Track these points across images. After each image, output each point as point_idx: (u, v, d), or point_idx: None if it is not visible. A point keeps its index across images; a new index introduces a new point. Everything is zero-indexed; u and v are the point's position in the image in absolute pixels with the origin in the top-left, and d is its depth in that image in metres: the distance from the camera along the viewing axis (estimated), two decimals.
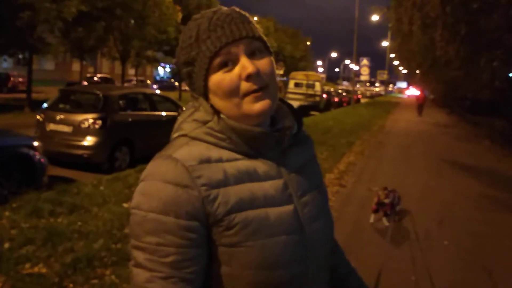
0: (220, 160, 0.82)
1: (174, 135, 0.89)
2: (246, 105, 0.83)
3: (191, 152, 0.81)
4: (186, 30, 0.87)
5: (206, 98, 0.87)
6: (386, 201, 4.66)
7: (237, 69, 0.83)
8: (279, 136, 0.88)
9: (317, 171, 1.01)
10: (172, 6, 22.43)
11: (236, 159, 0.84)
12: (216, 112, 0.86)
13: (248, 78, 0.82)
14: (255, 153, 0.86)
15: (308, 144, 1.03)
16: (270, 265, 0.80)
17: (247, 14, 0.88)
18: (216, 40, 0.82)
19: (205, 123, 0.85)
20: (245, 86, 0.82)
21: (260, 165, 0.85)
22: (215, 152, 0.83)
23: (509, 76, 13.72)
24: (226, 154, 0.83)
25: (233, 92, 0.82)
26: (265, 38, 0.89)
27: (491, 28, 9.58)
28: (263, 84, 0.83)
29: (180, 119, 0.91)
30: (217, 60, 0.83)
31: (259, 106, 0.83)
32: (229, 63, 0.83)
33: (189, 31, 0.86)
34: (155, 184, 0.77)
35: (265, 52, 0.88)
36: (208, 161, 0.81)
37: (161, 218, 0.75)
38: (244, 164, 0.84)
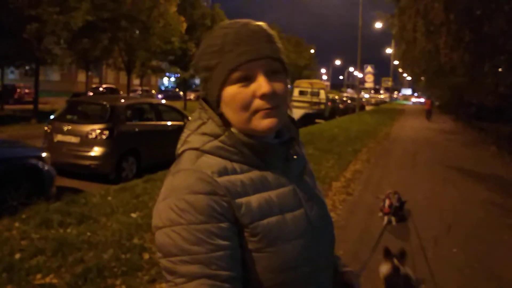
0: (235, 172, 0.85)
1: (182, 148, 0.90)
2: (255, 121, 0.86)
3: (209, 164, 0.84)
4: (211, 37, 0.88)
5: (218, 106, 0.89)
6: (398, 204, 5.11)
7: (253, 86, 0.85)
8: (286, 148, 0.94)
9: (313, 175, 1.07)
10: (177, 16, 22.59)
11: (248, 170, 0.87)
12: (226, 125, 0.88)
13: (262, 97, 0.84)
14: (264, 164, 0.90)
15: (302, 150, 1.08)
16: (290, 266, 0.85)
17: (274, 33, 0.91)
18: (239, 55, 0.84)
19: (216, 136, 0.87)
20: (257, 103, 0.85)
21: (269, 175, 0.90)
22: (229, 165, 0.86)
23: None
24: (238, 166, 0.87)
25: (245, 107, 0.85)
26: (284, 60, 0.91)
27: (495, 34, 9.59)
28: (274, 104, 0.86)
29: (186, 131, 0.93)
30: (236, 74, 0.84)
31: (267, 123, 0.86)
32: (246, 79, 0.85)
33: (214, 39, 0.87)
34: (186, 197, 0.79)
35: (282, 73, 0.90)
36: (226, 173, 0.84)
37: (204, 227, 0.77)
38: (256, 174, 0.88)
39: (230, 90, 0.85)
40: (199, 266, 0.75)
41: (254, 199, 0.84)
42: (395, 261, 3.09)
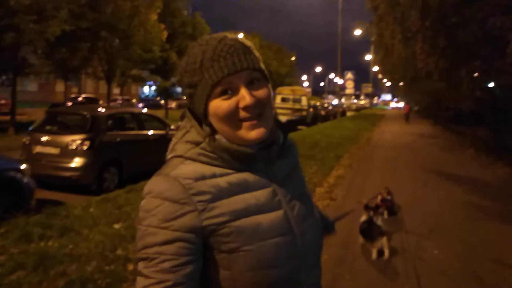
0: (213, 176, 0.90)
1: (169, 155, 0.96)
2: (243, 131, 0.91)
3: (187, 170, 0.89)
4: (191, 54, 0.93)
5: (205, 118, 0.94)
6: (389, 197, 5.59)
7: (236, 98, 0.90)
8: (267, 153, 0.97)
9: (301, 177, 1.12)
10: (157, 25, 22.49)
11: (228, 174, 0.92)
12: (212, 132, 0.94)
13: (246, 108, 0.90)
14: (244, 167, 0.94)
15: (293, 153, 1.12)
16: (267, 265, 0.88)
17: (250, 44, 0.96)
18: (219, 71, 0.88)
19: (197, 144, 0.93)
20: (242, 114, 0.91)
21: (250, 177, 0.94)
22: (208, 169, 0.91)
23: (489, 86, 14.06)
24: (218, 170, 0.92)
25: (230, 118, 0.90)
26: (263, 68, 0.95)
27: (470, 40, 9.85)
28: (259, 112, 0.92)
29: (174, 140, 0.99)
30: (218, 89, 0.89)
31: (255, 133, 0.91)
32: (229, 92, 0.90)
33: (194, 57, 0.92)
34: (154, 201, 0.85)
35: (263, 81, 0.94)
36: (202, 178, 0.89)
37: (159, 232, 0.82)
38: (235, 177, 0.92)
39: (214, 104, 0.90)
40: (144, 265, 0.82)
41: (228, 202, 0.88)
42: (371, 212, 4.47)
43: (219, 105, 0.90)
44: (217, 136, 0.94)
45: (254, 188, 0.93)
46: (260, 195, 0.93)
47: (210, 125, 0.94)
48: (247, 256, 0.87)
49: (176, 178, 0.87)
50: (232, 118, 0.90)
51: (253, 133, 0.91)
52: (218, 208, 0.87)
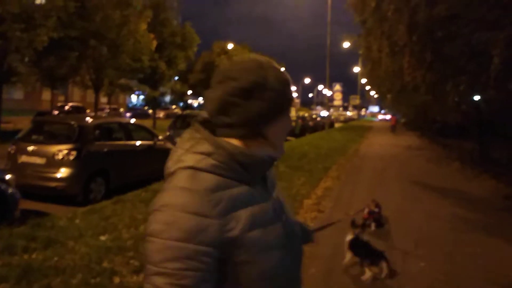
0: (227, 187, 0.91)
1: (175, 166, 0.93)
2: (283, 142, 1.05)
3: (204, 182, 0.88)
4: (281, 77, 1.03)
5: (256, 125, 0.96)
6: (376, 210, 5.62)
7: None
8: (272, 164, 1.03)
9: (282, 193, 1.16)
10: (147, 34, 22.50)
11: (238, 185, 0.93)
12: (221, 144, 0.93)
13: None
14: (251, 179, 0.97)
15: (272, 171, 1.16)
16: (270, 276, 0.92)
17: None
18: (289, 94, 1.04)
19: (209, 154, 0.92)
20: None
21: (255, 189, 0.98)
22: (222, 181, 0.91)
23: (474, 100, 14.30)
24: (229, 182, 0.92)
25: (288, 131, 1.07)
26: None
27: (456, 55, 10.03)
28: None
29: (179, 151, 0.97)
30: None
31: (284, 148, 1.08)
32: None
33: (282, 81, 1.03)
34: (175, 214, 0.83)
35: None
36: (218, 189, 0.89)
37: (182, 246, 0.81)
38: (244, 189, 0.94)
39: (286, 116, 1.03)
40: (164, 280, 0.80)
41: (244, 212, 0.90)
42: (357, 230, 4.16)
43: (288, 118, 1.04)
44: (228, 141, 0.95)
45: (261, 200, 0.97)
46: (265, 207, 0.97)
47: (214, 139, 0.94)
48: (255, 267, 0.89)
49: (194, 190, 0.86)
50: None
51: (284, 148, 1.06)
52: (235, 219, 0.88)
